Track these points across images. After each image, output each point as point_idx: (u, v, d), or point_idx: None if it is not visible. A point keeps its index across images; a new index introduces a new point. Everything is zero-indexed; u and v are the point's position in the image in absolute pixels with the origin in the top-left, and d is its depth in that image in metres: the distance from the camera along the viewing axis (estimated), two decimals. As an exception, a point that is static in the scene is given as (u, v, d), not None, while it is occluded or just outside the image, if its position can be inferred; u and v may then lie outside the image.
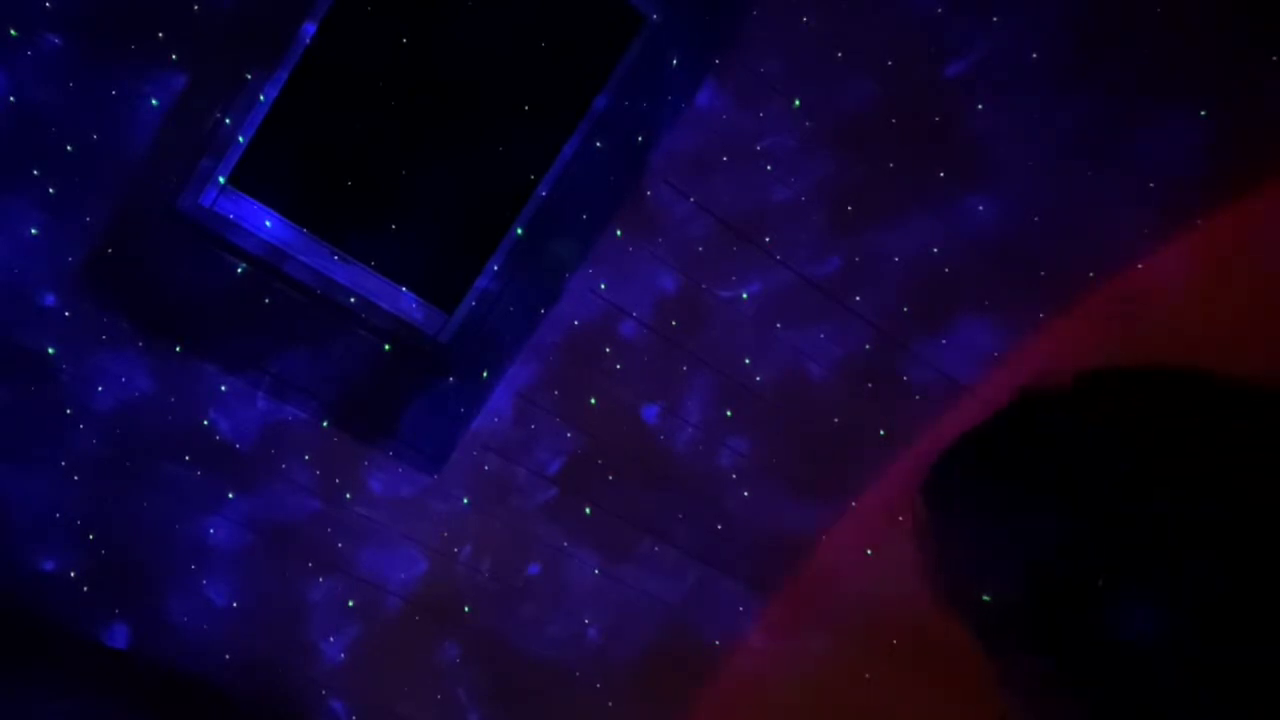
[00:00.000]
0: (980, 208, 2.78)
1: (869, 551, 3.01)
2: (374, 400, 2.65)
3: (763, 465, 2.91)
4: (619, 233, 2.64)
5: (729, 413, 2.84)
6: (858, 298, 2.80)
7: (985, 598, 0.77)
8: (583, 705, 2.99)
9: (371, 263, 2.64)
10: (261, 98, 2.41)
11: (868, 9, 2.54)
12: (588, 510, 2.84)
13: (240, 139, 2.43)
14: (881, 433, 2.94)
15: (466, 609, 2.85)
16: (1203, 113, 2.75)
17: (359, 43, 2.47)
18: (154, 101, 2.29)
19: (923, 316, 2.86)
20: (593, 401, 2.75)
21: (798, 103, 2.59)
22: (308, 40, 2.40)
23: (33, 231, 2.31)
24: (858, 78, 2.60)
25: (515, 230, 2.66)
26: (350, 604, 2.77)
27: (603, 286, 2.67)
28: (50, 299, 2.37)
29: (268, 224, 2.54)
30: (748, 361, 2.81)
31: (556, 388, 2.73)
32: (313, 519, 2.69)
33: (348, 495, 2.69)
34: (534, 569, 2.86)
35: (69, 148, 2.27)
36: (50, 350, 2.41)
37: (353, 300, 2.60)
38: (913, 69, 2.61)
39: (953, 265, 2.81)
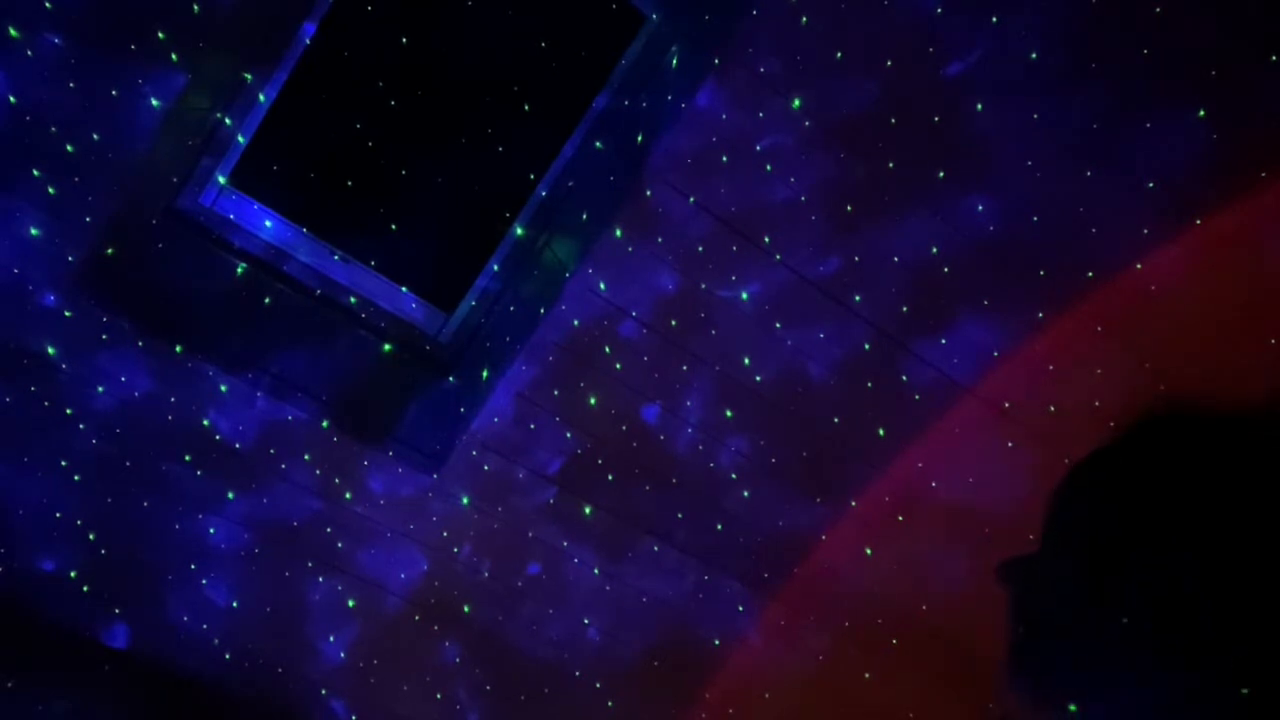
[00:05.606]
0: (980, 208, 2.78)
1: (869, 551, 3.02)
2: (374, 400, 2.65)
3: (763, 465, 2.91)
4: (619, 233, 2.64)
5: (729, 413, 2.84)
6: (858, 298, 2.81)
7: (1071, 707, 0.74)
8: (583, 705, 2.99)
9: (371, 263, 2.64)
10: (261, 98, 2.41)
11: (868, 9, 2.54)
12: (588, 510, 2.84)
13: (240, 139, 2.44)
14: (881, 433, 2.95)
15: (466, 609, 2.85)
16: (1201, 113, 2.75)
17: (359, 43, 2.47)
18: (154, 101, 2.29)
19: (923, 316, 2.86)
20: (593, 401, 2.75)
21: (798, 103, 2.59)
22: (308, 40, 2.40)
23: (33, 231, 2.31)
24: (858, 78, 2.60)
25: (515, 230, 2.66)
26: (350, 604, 2.77)
27: (603, 286, 2.67)
28: (50, 299, 2.37)
29: (268, 224, 2.54)
30: (748, 361, 2.81)
31: (556, 388, 2.73)
32: (313, 519, 2.69)
33: (348, 495, 2.69)
34: (534, 569, 2.86)
35: (69, 148, 2.27)
36: (50, 350, 2.41)
37: (353, 300, 2.60)
38: (913, 69, 2.61)
39: (953, 265, 2.81)
